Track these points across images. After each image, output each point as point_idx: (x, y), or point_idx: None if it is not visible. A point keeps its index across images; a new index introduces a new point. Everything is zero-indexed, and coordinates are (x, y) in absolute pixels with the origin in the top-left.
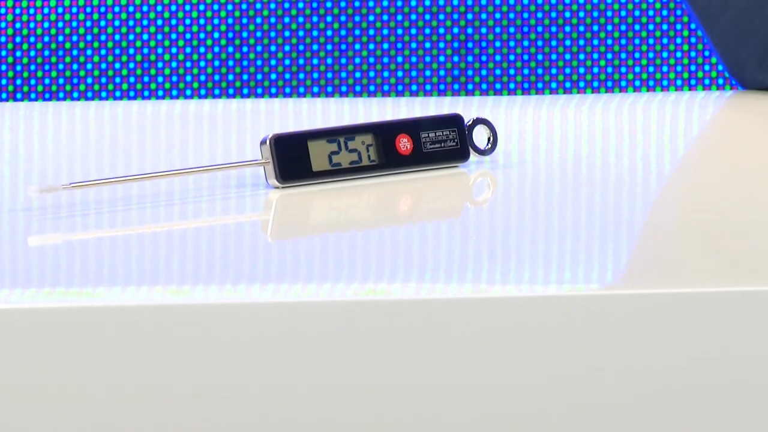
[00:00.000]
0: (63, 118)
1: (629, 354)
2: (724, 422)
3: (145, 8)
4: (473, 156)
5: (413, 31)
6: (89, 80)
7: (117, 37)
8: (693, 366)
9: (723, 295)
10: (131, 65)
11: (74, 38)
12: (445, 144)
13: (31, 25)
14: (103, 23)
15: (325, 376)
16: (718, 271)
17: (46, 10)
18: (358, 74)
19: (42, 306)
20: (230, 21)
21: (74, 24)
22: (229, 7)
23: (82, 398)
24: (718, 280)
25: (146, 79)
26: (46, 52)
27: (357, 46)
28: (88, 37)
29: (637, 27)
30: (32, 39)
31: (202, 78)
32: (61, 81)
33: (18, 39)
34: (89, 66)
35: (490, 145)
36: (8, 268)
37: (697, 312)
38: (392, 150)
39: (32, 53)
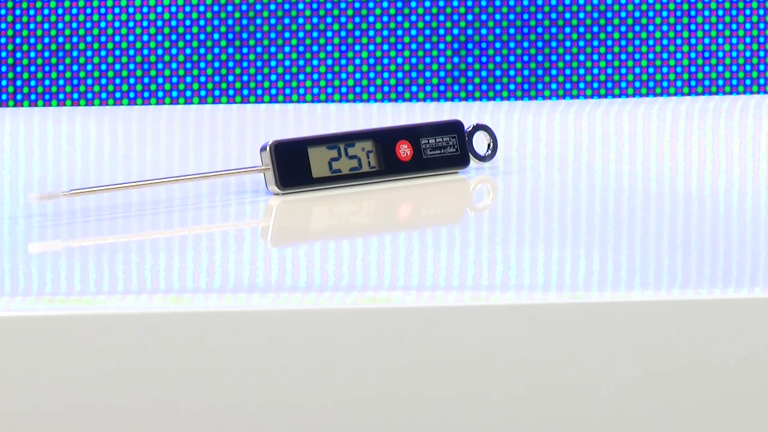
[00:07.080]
0: (63, 124)
1: (630, 361)
2: (727, 428)
3: (145, 9)
4: (473, 162)
5: (413, 32)
6: (89, 81)
7: (117, 38)
8: (693, 372)
9: (724, 303)
10: (131, 66)
11: (74, 39)
12: (445, 150)
13: (31, 26)
14: (103, 24)
15: (325, 384)
16: (719, 278)
17: (46, 11)
18: (358, 75)
19: (42, 313)
20: (230, 22)
21: (74, 25)
22: (229, 8)
23: (82, 404)
24: (719, 286)
25: (146, 80)
26: (46, 53)
27: (357, 47)
28: (88, 38)
29: (637, 28)
30: (32, 40)
31: (202, 79)
32: (61, 82)
33: (18, 40)
34: (89, 67)
35: (490, 151)
36: (9, 275)
37: (697, 319)
38: (392, 156)
39: (32, 54)
